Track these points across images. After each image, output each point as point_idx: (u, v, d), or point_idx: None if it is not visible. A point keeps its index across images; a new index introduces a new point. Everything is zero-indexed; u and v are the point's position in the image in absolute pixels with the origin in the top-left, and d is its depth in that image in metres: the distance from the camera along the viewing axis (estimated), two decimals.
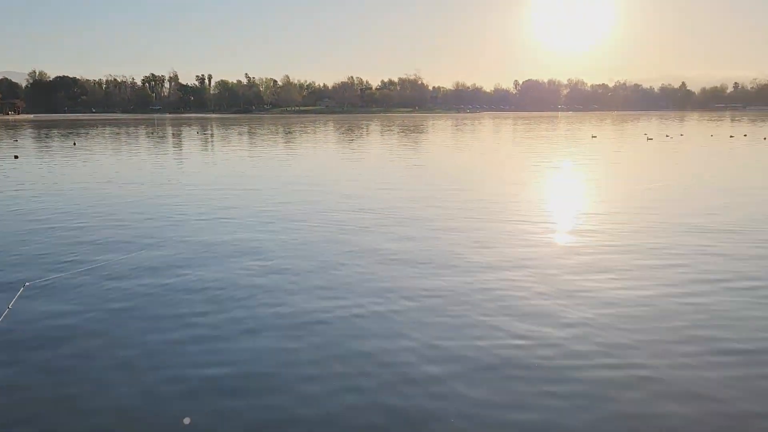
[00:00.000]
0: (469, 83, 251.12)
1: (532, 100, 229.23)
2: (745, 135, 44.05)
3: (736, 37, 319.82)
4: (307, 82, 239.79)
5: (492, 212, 12.53)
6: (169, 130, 61.78)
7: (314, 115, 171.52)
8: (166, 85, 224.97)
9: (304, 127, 70.17)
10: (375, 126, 73.80)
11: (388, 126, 74.70)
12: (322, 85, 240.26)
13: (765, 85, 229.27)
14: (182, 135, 51.17)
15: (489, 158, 28.61)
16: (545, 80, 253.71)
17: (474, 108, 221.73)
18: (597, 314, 6.36)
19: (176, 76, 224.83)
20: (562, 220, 12.06)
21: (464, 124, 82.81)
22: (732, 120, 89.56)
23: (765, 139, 39.72)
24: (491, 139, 46.76)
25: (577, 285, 7.37)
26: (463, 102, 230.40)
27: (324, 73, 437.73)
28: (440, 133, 54.55)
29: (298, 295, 7.10)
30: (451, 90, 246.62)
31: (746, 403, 4.52)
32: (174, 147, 35.80)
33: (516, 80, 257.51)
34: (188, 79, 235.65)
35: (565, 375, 4.99)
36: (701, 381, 4.84)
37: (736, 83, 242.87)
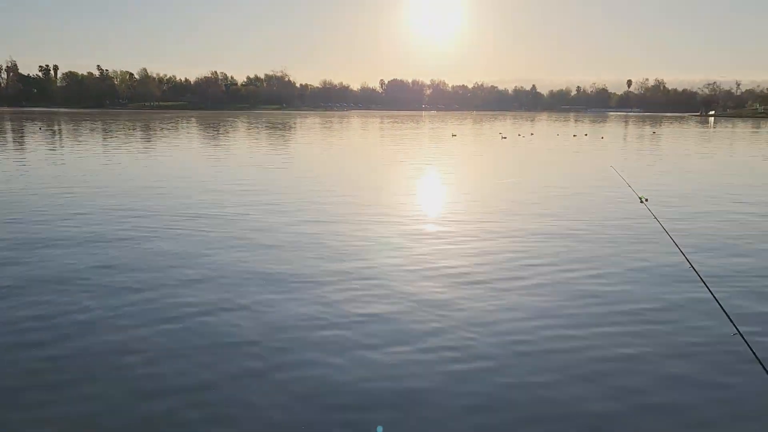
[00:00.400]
0: (336, 81, 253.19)
1: (398, 100, 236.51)
2: (586, 134, 48.54)
3: (578, 44, 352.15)
4: (168, 76, 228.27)
5: (346, 212, 12.52)
6: (8, 126, 55.99)
7: (176, 111, 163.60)
8: (3, 75, 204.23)
9: (162, 123, 66.60)
10: (240, 123, 71.91)
11: (254, 123, 73.18)
12: (183, 79, 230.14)
13: (602, 89, 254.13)
14: (23, 131, 46.59)
15: (352, 156, 29.02)
16: (410, 80, 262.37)
17: (342, 106, 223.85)
18: (443, 316, 6.70)
19: (15, 65, 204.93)
20: (421, 216, 12.54)
21: (331, 122, 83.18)
22: (575, 121, 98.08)
23: (602, 138, 44.07)
24: (356, 136, 47.43)
25: (432, 266, 7.72)
26: (332, 100, 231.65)
27: (186, 67, 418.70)
28: (307, 131, 54.37)
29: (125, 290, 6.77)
30: (318, 88, 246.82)
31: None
32: (14, 143, 32.48)
33: (382, 79, 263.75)
34: (31, 69, 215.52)
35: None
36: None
37: (578, 87, 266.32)
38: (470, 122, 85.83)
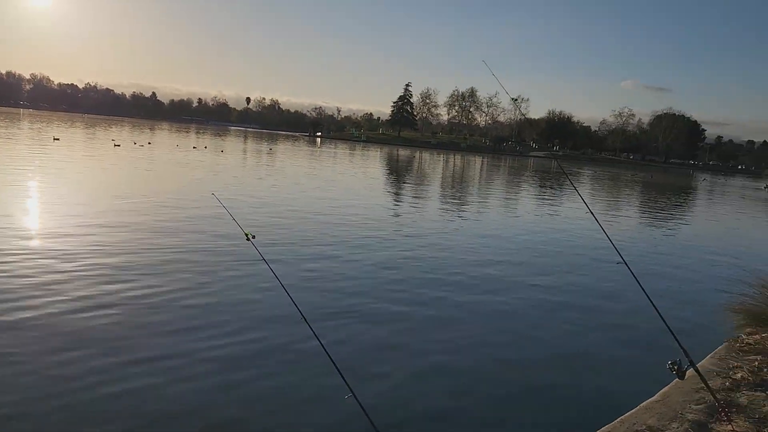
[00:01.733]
0: None
1: None
2: (206, 147, 48.10)
3: (200, 57, 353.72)
4: None
5: None
6: None
7: None
8: None
9: None
10: None
11: None
12: None
13: (223, 103, 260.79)
14: None
15: None
16: (3, 71, 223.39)
17: None
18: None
19: None
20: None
21: None
22: (197, 132, 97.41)
23: (222, 151, 44.25)
24: None
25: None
26: None
27: None
28: None
29: None
30: None
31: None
32: None
33: None
34: None
35: None
36: None
37: (200, 99, 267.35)
38: (81, 125, 77.08)
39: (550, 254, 12.88)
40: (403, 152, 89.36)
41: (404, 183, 33.07)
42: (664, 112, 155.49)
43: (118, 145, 38.37)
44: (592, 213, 4.56)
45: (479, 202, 24.72)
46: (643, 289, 4.17)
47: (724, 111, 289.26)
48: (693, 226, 22.21)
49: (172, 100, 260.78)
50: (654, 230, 19.44)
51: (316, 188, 23.90)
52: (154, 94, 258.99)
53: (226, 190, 19.50)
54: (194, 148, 44.08)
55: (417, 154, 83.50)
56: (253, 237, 4.05)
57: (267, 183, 24.29)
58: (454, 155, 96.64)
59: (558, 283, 10.08)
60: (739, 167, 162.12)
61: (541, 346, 7.01)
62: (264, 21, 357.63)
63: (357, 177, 33.35)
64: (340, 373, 3.68)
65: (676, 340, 4.01)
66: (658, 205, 31.24)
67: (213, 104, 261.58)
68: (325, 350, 3.77)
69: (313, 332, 3.88)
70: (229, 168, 30.40)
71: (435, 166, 58.61)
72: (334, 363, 3.74)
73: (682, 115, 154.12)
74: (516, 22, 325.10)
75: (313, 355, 5.61)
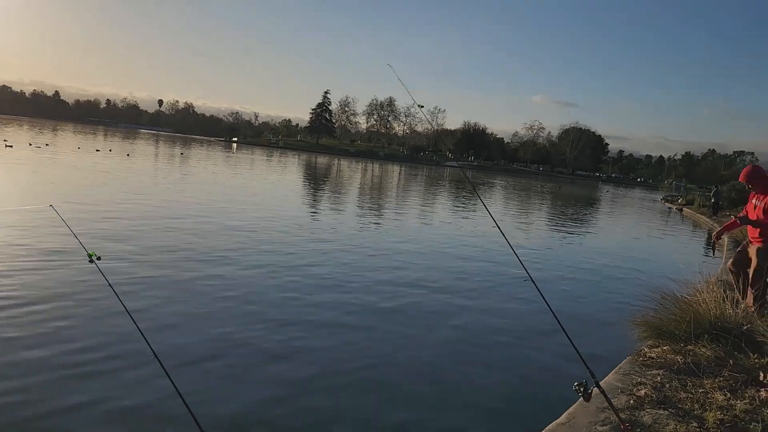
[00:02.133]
0: None
1: None
2: (110, 150, 45.60)
3: (109, 57, 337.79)
4: None
5: None
6: None
7: None
8: None
9: None
10: None
11: None
12: None
13: (134, 105, 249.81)
14: None
15: None
16: None
17: None
18: None
19: None
20: None
21: None
22: (105, 135, 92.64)
23: (128, 155, 42.07)
24: None
25: None
26: None
27: None
28: None
29: None
30: None
31: None
32: None
33: None
34: None
35: None
36: None
37: (108, 100, 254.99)
38: None
39: (456, 269, 12.41)
40: (322, 159, 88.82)
41: (317, 191, 32.64)
42: (572, 126, 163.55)
43: (11, 146, 35.60)
44: (499, 228, 4.39)
45: (392, 211, 24.68)
46: (549, 306, 4.03)
47: (625, 126, 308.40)
48: (597, 237, 23.12)
49: (77, 101, 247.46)
50: (560, 242, 20.02)
51: (219, 197, 23.02)
52: (57, 93, 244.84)
53: (112, 200, 18.23)
54: (97, 151, 41.67)
55: (335, 162, 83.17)
56: (98, 258, 3.44)
57: (165, 191, 23.15)
58: (372, 163, 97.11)
59: (463, 302, 9.57)
60: (639, 180, 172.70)
61: (441, 368, 6.68)
62: (180, 20, 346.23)
63: (268, 184, 32.59)
64: None
65: (581, 358, 3.88)
66: (565, 216, 32.46)
67: (122, 106, 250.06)
68: (185, 405, 3.08)
69: (169, 377, 3.31)
70: (132, 173, 28.83)
71: (352, 174, 58.48)
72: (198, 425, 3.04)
73: (588, 130, 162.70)
74: (436, 36, 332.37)
75: (171, 414, 4.76)
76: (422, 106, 4.32)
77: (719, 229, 8.18)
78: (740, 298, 7.06)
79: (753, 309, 6.78)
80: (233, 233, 13.67)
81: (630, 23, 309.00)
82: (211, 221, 15.14)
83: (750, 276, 7.48)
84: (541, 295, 4.05)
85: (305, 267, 10.79)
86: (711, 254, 8.11)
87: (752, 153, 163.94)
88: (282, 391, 5.55)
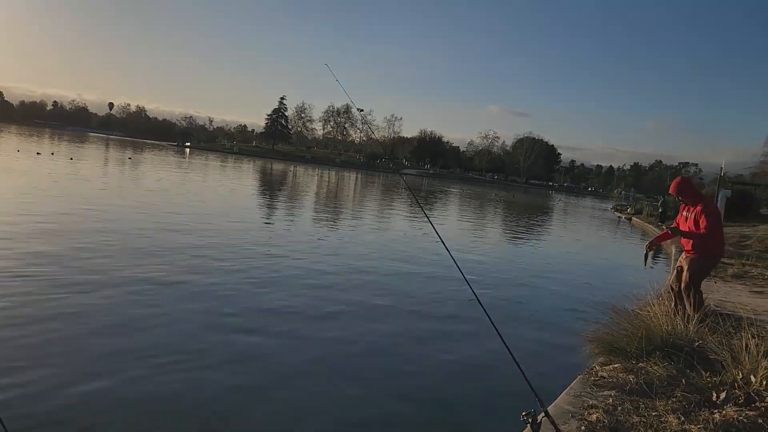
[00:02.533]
0: None
1: None
2: (53, 153, 43.79)
3: (57, 58, 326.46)
4: None
5: None
6: None
7: None
8: None
9: None
10: None
11: None
12: None
13: (83, 107, 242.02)
14: None
15: None
16: None
17: None
18: None
19: None
20: None
21: None
22: (52, 138, 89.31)
23: (72, 159, 40.45)
24: None
25: None
26: None
27: None
28: None
29: None
30: None
31: None
32: None
33: None
34: None
35: None
36: None
37: (55, 102, 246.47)
38: None
39: (396, 284, 11.52)
40: (277, 166, 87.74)
41: (267, 199, 32.02)
42: (525, 136, 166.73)
43: None
44: (445, 246, 4.09)
45: (341, 220, 24.32)
46: (496, 328, 3.74)
47: (577, 137, 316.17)
48: (549, 247, 23.25)
49: (23, 102, 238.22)
50: (511, 252, 20.01)
51: (160, 204, 22.23)
52: (1, 93, 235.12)
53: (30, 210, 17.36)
54: (38, 154, 39.88)
55: (291, 168, 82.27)
56: None
57: (95, 197, 22.20)
58: (329, 170, 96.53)
59: (406, 326, 8.67)
60: (590, 189, 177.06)
61: (379, 398, 6.05)
62: (132, 21, 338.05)
63: (214, 191, 31.81)
64: None
65: (530, 385, 3.61)
66: (518, 225, 32.70)
67: (71, 108, 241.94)
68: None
69: None
70: (66, 178, 27.61)
71: (308, 180, 57.86)
72: None
73: (541, 140, 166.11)
74: (395, 44, 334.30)
75: None
76: (362, 110, 4.03)
77: (651, 239, 8.17)
78: (679, 314, 6.92)
79: (696, 316, 6.62)
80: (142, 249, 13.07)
81: (580, 37, 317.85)
82: (126, 229, 14.46)
83: (682, 285, 7.47)
84: (488, 317, 3.76)
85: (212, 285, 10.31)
86: (644, 265, 8.10)
87: (696, 164, 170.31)
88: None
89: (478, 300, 3.75)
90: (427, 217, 4.88)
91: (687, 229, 7.53)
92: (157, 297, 8.40)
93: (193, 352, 6.49)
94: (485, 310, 3.73)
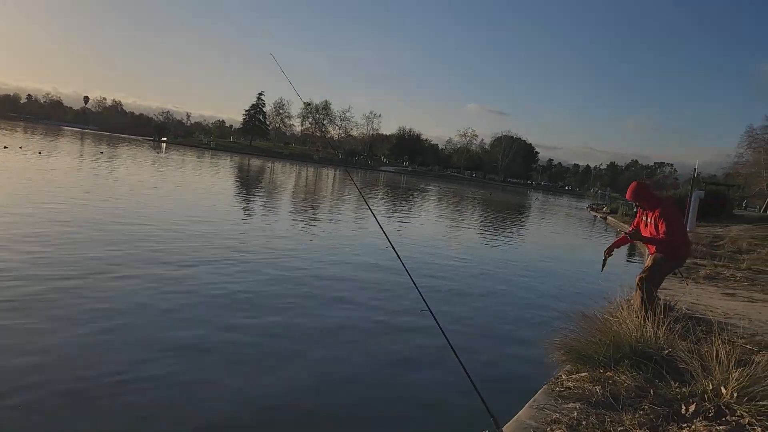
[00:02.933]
0: None
1: None
2: (21, 147, 42.66)
3: (32, 48, 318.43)
4: None
5: None
6: None
7: None
8: None
9: None
10: None
11: None
12: None
13: (58, 101, 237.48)
14: None
15: None
16: None
17: None
18: None
19: None
20: None
21: None
22: (24, 131, 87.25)
23: (40, 153, 39.42)
24: None
25: None
26: None
27: None
28: None
29: None
30: None
31: None
32: None
33: None
34: None
35: None
36: None
37: (29, 95, 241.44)
38: None
39: (346, 287, 10.45)
40: (255, 162, 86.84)
41: (244, 196, 31.50)
42: (504, 134, 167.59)
43: None
44: (399, 257, 3.79)
45: (312, 217, 23.95)
46: (451, 345, 3.45)
47: (555, 136, 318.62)
48: (524, 246, 23.12)
49: None
50: (484, 251, 19.79)
51: (122, 201, 21.65)
52: None
53: None
54: (5, 148, 38.75)
55: (269, 165, 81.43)
56: None
57: (43, 192, 21.53)
58: (307, 167, 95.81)
59: (346, 334, 7.66)
60: (567, 188, 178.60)
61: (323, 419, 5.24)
62: (109, 14, 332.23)
63: (189, 187, 31.20)
64: None
65: (485, 405, 3.34)
66: (494, 224, 32.61)
67: (45, 102, 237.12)
68: None
69: None
70: (27, 172, 26.80)
71: (286, 177, 57.26)
72: None
73: (519, 138, 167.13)
74: (375, 41, 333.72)
75: None
76: (308, 104, 3.70)
77: (610, 245, 7.95)
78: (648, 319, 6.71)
79: (642, 313, 6.38)
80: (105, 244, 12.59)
81: (561, 36, 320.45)
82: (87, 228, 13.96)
83: (638, 276, 7.38)
84: (442, 330, 3.46)
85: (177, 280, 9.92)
86: (601, 270, 7.91)
87: (672, 164, 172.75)
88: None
89: (429, 309, 3.46)
90: (376, 219, 4.56)
91: (649, 234, 7.49)
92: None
93: None
94: (436, 319, 3.44)
